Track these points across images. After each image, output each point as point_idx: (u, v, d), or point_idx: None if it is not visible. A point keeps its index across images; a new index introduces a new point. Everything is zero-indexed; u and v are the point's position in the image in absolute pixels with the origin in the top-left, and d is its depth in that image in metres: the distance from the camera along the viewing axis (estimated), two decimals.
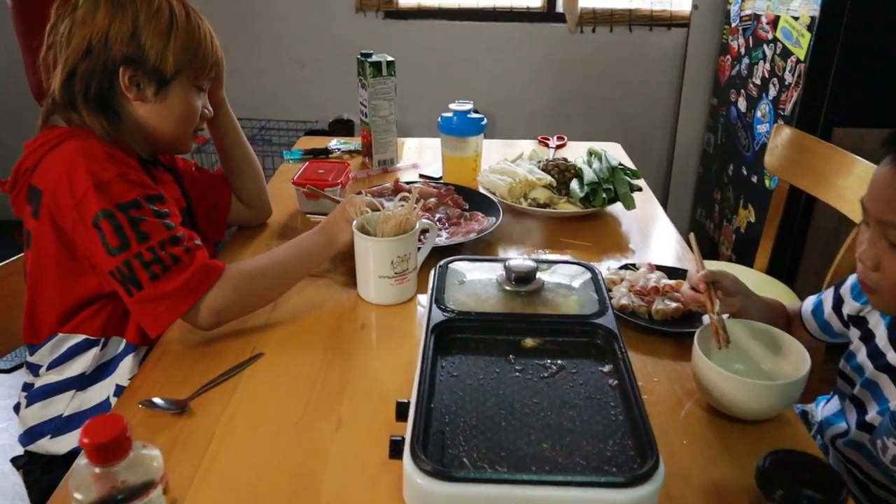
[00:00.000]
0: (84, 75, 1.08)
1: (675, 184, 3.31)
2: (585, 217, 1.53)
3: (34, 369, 1.17)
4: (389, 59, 1.73)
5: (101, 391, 1.15)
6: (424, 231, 1.26)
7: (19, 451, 1.20)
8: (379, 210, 1.20)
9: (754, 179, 2.58)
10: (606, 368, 0.90)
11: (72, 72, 1.08)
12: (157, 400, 0.96)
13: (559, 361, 0.91)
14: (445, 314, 0.96)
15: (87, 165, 1.03)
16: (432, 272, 1.07)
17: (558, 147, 2.00)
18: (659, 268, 1.28)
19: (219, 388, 1.01)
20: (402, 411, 0.84)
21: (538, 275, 1.03)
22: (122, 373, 1.14)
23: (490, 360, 0.91)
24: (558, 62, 3.24)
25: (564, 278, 1.07)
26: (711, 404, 0.97)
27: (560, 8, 3.18)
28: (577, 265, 1.10)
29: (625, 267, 1.29)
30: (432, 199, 1.54)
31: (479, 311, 0.98)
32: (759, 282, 2.02)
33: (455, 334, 0.95)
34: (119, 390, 1.14)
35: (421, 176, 1.79)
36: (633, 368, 0.87)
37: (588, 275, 1.08)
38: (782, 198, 1.99)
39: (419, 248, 1.26)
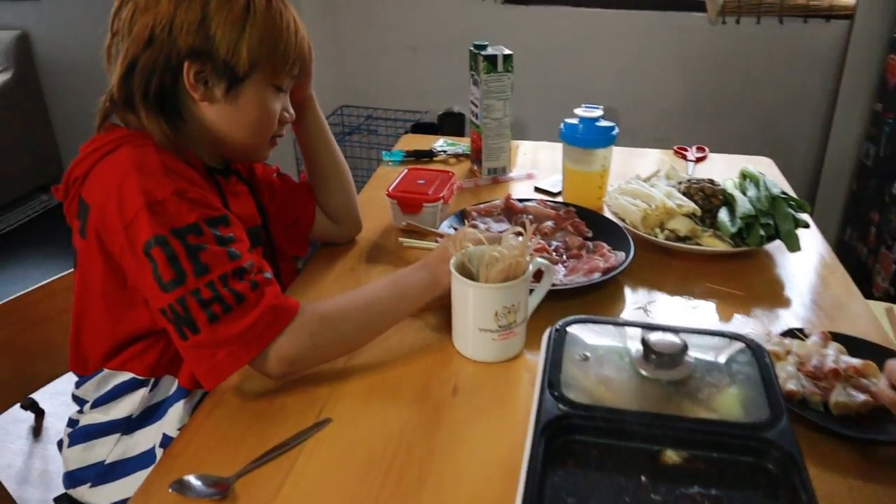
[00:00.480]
0: (144, 69, 0.91)
1: (821, 199, 2.92)
2: (735, 256, 1.25)
3: (80, 403, 1.03)
4: (507, 52, 1.50)
5: (147, 438, 0.99)
6: (539, 272, 1.02)
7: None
8: (484, 244, 0.98)
9: None
10: None
11: (131, 65, 0.91)
12: (193, 481, 0.78)
13: (712, 492, 0.66)
14: (561, 407, 0.73)
15: (141, 181, 0.86)
16: (545, 337, 0.83)
17: (698, 160, 1.72)
18: (836, 336, 1.00)
19: (272, 465, 0.82)
20: None
21: (686, 356, 0.78)
22: (171, 421, 0.98)
23: (618, 479, 0.68)
24: (694, 57, 2.90)
25: (717, 356, 0.82)
26: None
27: None
28: (733, 339, 0.84)
29: (790, 333, 1.02)
30: (549, 223, 1.30)
31: (606, 406, 0.74)
32: None
33: (573, 436, 0.72)
34: (166, 440, 0.97)
35: (537, 190, 1.55)
36: None
37: (750, 355, 0.81)
38: None
39: (531, 292, 1.02)
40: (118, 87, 0.93)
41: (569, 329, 0.85)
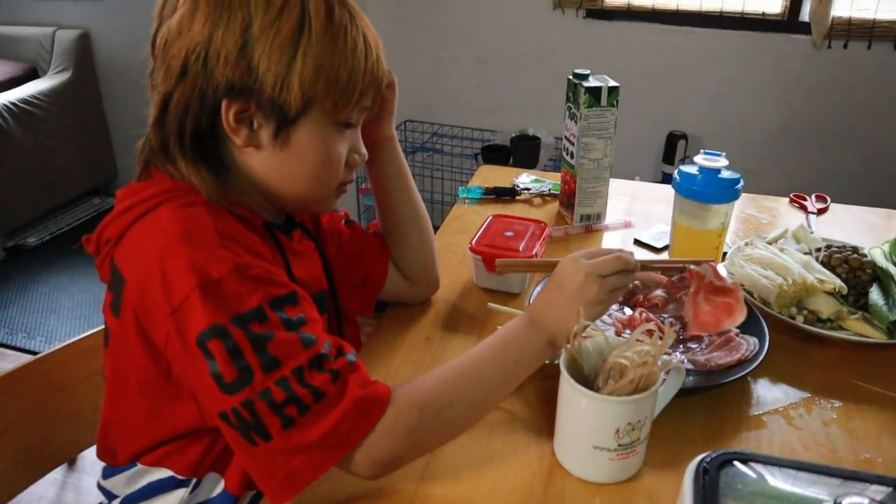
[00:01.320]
0: (178, 108, 0.74)
1: None
2: (889, 347, 1.04)
3: (108, 497, 0.87)
4: (612, 83, 1.30)
5: None
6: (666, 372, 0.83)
7: None
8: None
9: None
10: None
11: (165, 103, 0.74)
12: None
13: None
14: None
15: (191, 254, 0.69)
16: (687, 481, 0.64)
17: (820, 212, 1.49)
18: None
19: None
20: None
21: None
22: None
23: None
24: (794, 83, 2.66)
25: None
26: None
27: (805, 16, 2.60)
28: None
29: None
30: (659, 292, 1.10)
31: None
32: None
33: None
34: None
35: (636, 243, 1.35)
36: None
37: None
38: None
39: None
40: (153, 128, 0.76)
41: (723, 472, 0.65)
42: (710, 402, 0.93)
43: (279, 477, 0.69)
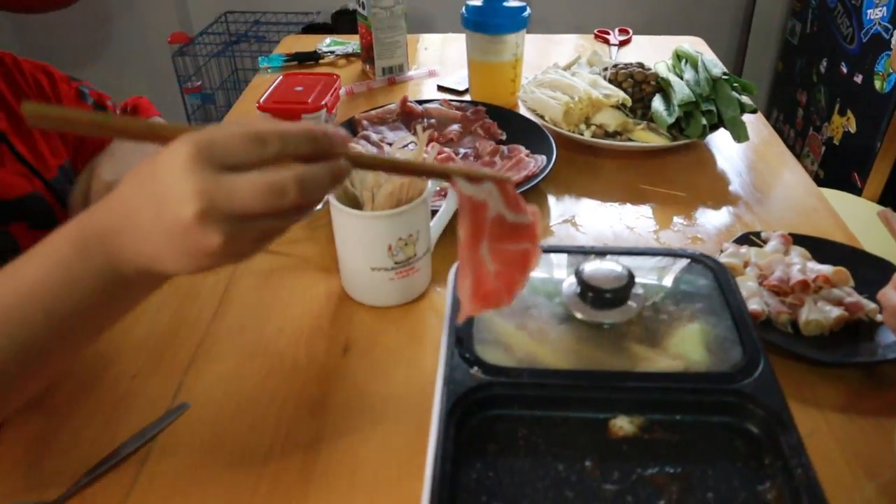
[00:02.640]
0: None
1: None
2: (674, 151, 1.08)
3: None
4: None
5: None
6: (442, 191, 0.82)
7: None
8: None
9: (858, 79, 2.07)
10: (769, 490, 0.48)
11: None
12: None
13: (679, 469, 0.49)
14: (475, 373, 0.54)
15: None
16: (451, 277, 0.64)
17: (622, 44, 1.52)
18: (797, 240, 0.84)
19: (112, 474, 0.62)
20: None
21: (634, 289, 0.60)
22: None
23: (555, 466, 0.50)
24: None
25: (668, 282, 0.64)
26: None
27: None
28: (686, 258, 0.67)
29: (745, 240, 0.85)
30: (454, 127, 1.09)
31: (534, 368, 0.55)
32: (870, 215, 1.55)
33: (493, 411, 0.53)
34: None
35: (440, 89, 1.33)
36: (815, 472, 0.46)
37: (709, 277, 0.64)
38: None
39: (434, 214, 0.83)
40: None
41: None
42: None
43: None
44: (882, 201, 1.75)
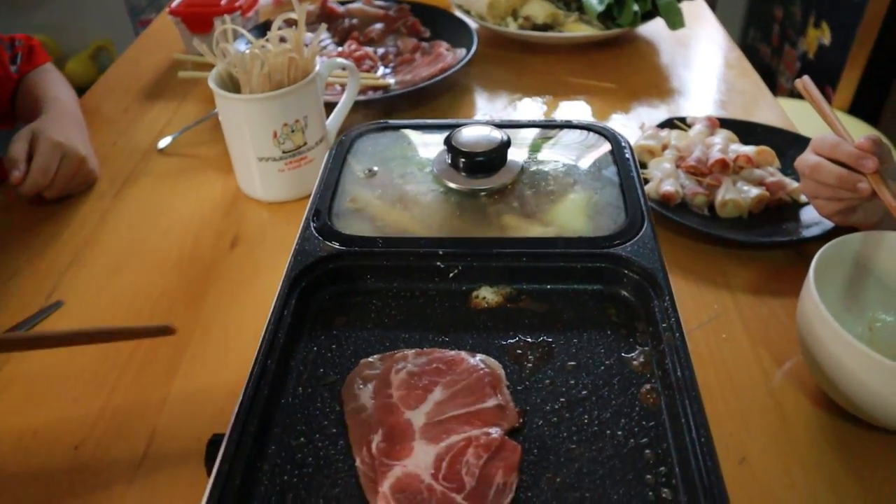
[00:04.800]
0: None
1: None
2: (606, 44, 1.01)
3: None
4: None
5: None
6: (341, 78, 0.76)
7: None
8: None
9: None
10: (636, 356, 0.44)
11: None
12: None
13: (540, 338, 0.45)
14: (328, 243, 0.49)
15: None
16: (327, 155, 0.59)
17: None
18: (724, 123, 0.79)
19: None
20: (212, 456, 0.40)
21: (511, 155, 0.55)
22: None
23: (404, 337, 0.46)
24: None
25: (557, 153, 0.59)
26: (836, 399, 0.52)
27: None
28: (582, 130, 0.61)
29: (669, 123, 0.80)
30: (377, 26, 1.02)
31: (391, 237, 0.51)
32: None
33: (345, 284, 0.49)
34: None
35: None
36: (685, 335, 0.42)
37: (606, 148, 0.59)
38: (881, 10, 1.44)
39: (335, 105, 0.77)
40: None
41: (357, 141, 0.60)
42: (423, 110, 0.89)
43: None
44: (853, 111, 1.68)
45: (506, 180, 0.54)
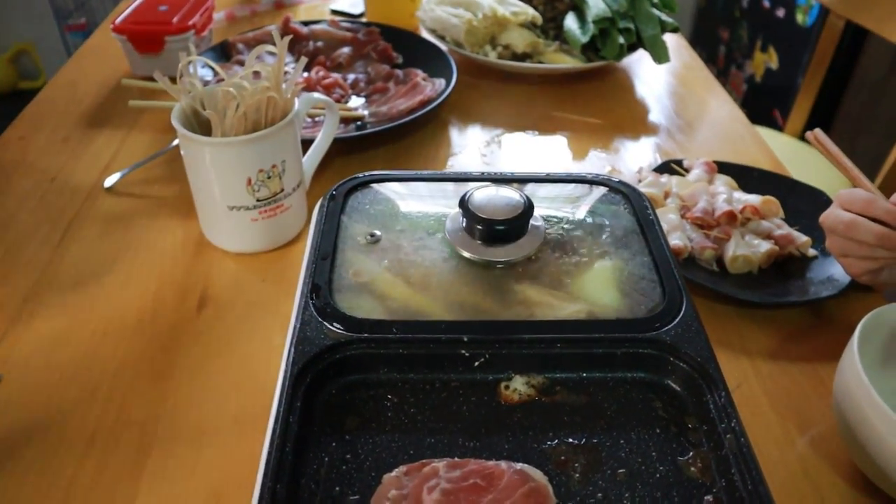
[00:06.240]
0: None
1: None
2: (588, 75, 0.97)
3: None
4: None
5: None
6: (312, 116, 0.69)
7: None
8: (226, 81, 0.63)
9: (780, 13, 2.01)
10: (692, 460, 0.39)
11: None
12: None
13: (583, 440, 0.40)
14: (332, 327, 0.43)
15: None
16: (315, 213, 0.52)
17: None
18: (722, 167, 0.76)
19: None
20: None
21: (533, 219, 0.49)
22: None
23: (430, 442, 0.40)
24: None
25: (576, 213, 0.54)
26: (878, 482, 0.48)
27: None
28: (598, 185, 0.56)
29: (666, 168, 0.76)
30: (345, 50, 0.95)
31: (406, 320, 0.44)
32: (794, 150, 1.50)
33: (353, 376, 0.42)
34: None
35: (334, 13, 1.18)
36: (749, 440, 0.38)
37: (624, 206, 0.54)
38: (834, 38, 1.45)
39: (310, 144, 0.70)
40: None
41: (350, 196, 0.54)
42: (400, 154, 0.82)
43: None
44: (802, 138, 1.69)
45: (528, 251, 0.48)
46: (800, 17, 1.90)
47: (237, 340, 0.59)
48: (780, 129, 1.85)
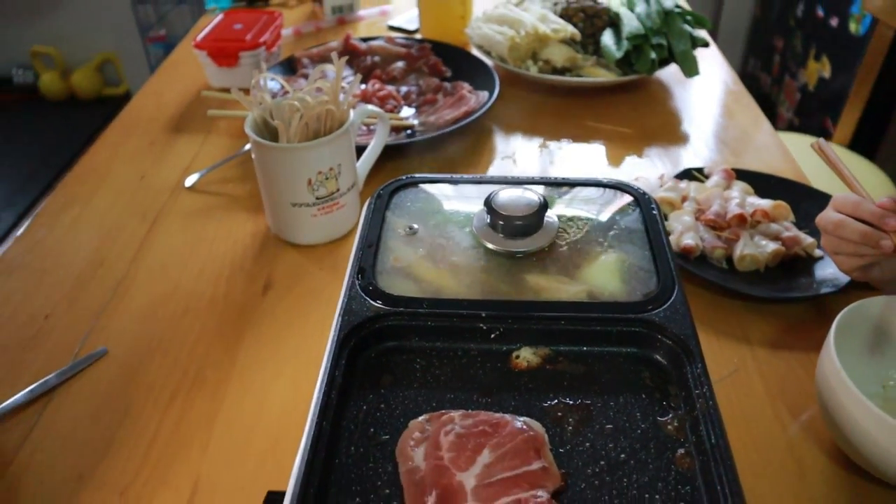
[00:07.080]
0: None
1: (723, 28, 2.72)
2: (622, 88, 1.04)
3: None
4: None
5: None
6: (369, 125, 0.79)
7: None
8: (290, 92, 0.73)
9: (834, 23, 2.02)
10: (670, 420, 0.46)
11: None
12: None
13: (578, 401, 0.48)
14: (372, 303, 0.51)
15: None
16: (365, 208, 0.61)
17: None
18: (741, 174, 0.82)
19: (12, 420, 0.60)
20: None
21: (548, 216, 0.57)
22: None
23: (449, 397, 0.48)
24: None
25: (589, 212, 0.62)
26: (852, 457, 0.54)
27: None
28: (610, 188, 0.64)
29: (687, 174, 0.83)
30: (399, 65, 1.05)
31: (434, 298, 0.53)
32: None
33: (390, 342, 0.51)
34: None
35: (391, 28, 1.28)
36: (717, 404, 0.45)
37: (634, 207, 0.62)
38: (883, 48, 1.47)
39: (363, 150, 0.80)
40: None
41: (394, 196, 0.63)
42: (446, 159, 0.91)
43: None
44: (852, 146, 1.72)
45: (542, 243, 0.56)
46: (853, 27, 1.91)
47: (296, 318, 0.68)
48: (830, 136, 1.87)
